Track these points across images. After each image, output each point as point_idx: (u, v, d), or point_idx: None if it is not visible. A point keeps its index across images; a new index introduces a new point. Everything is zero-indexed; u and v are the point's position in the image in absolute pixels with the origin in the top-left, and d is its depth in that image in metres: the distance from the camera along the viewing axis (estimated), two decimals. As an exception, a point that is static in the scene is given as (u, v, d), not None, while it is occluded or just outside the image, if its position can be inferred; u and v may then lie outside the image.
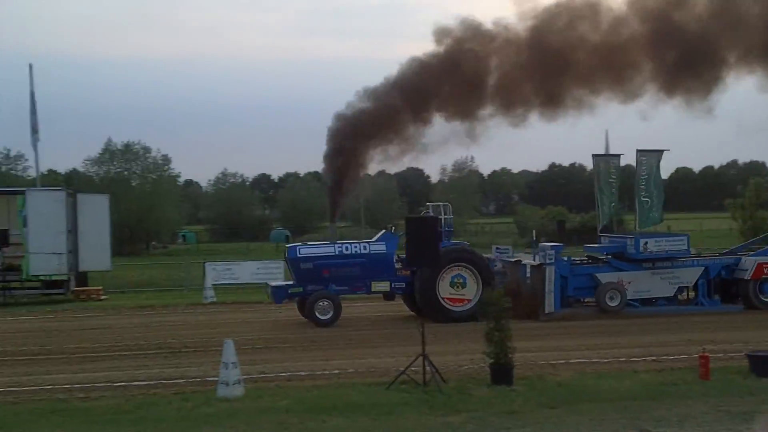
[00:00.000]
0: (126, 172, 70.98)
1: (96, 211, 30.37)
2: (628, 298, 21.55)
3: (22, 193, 29.57)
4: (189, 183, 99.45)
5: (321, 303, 20.79)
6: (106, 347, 18.11)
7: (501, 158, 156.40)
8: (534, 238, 23.15)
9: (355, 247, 21.85)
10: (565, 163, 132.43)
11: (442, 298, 21.07)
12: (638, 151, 23.07)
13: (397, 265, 21.72)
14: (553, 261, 21.17)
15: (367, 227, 63.34)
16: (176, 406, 11.64)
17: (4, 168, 69.22)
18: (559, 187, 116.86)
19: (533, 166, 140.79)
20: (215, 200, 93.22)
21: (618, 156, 24.18)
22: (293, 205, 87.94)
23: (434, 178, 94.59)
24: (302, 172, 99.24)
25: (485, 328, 12.63)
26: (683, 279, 22.37)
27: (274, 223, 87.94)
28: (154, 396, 12.48)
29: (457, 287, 21.22)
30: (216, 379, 12.36)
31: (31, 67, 35.95)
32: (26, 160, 68.36)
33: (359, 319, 21.97)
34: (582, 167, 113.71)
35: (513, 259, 22.66)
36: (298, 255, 21.55)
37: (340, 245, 21.85)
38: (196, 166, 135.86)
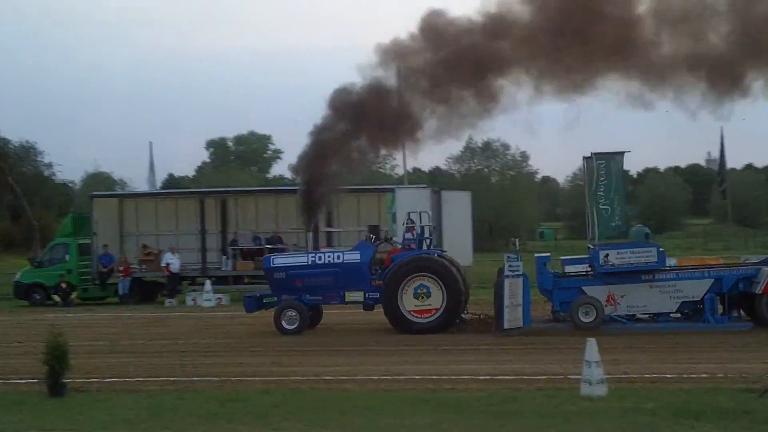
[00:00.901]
0: (486, 170, 72.80)
1: (459, 207, 31.34)
2: (622, 313, 19.68)
3: (392, 190, 31.18)
4: (546, 179, 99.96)
5: (288, 313, 20.72)
6: (468, 341, 18.68)
7: None
8: (516, 246, 20.67)
9: (329, 256, 21.50)
10: None
11: (408, 311, 20.26)
12: (593, 154, 20.61)
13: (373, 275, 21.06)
14: (517, 273, 19.35)
15: (734, 225, 60.11)
16: (539, 402, 11.72)
17: (374, 167, 73.56)
18: None
19: None
20: (573, 196, 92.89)
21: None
22: (653, 202, 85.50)
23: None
24: (662, 167, 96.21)
25: None
26: (688, 292, 19.56)
27: (634, 220, 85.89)
28: (517, 391, 12.64)
29: (422, 298, 20.30)
30: (579, 377, 12.31)
31: (399, 70, 37.70)
32: (394, 159, 72.12)
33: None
34: None
35: None
36: (272, 265, 21.66)
37: (313, 255, 21.73)
38: (554, 162, 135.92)
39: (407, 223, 21.89)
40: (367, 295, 21.01)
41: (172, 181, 77.43)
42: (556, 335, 19.04)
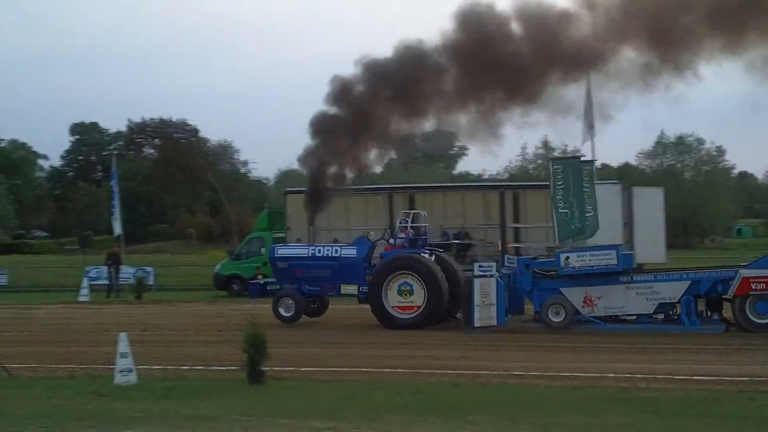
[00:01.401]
0: (678, 165, 70.48)
1: (651, 203, 30.42)
2: (600, 314, 20.02)
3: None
4: (743, 175, 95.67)
5: (285, 301, 22.05)
6: (664, 340, 18.16)
7: None
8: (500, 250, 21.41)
9: (327, 250, 22.78)
10: None
11: (392, 307, 21.16)
12: (551, 159, 20.21)
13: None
14: (490, 274, 20.05)
15: None
16: (740, 405, 11.24)
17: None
18: None
19: None
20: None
21: (592, 161, 22.99)
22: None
23: None
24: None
25: None
26: (665, 294, 19.67)
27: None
28: (716, 392, 12.20)
29: (405, 295, 21.13)
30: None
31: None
32: (583, 156, 71.15)
33: None
34: None
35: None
36: (276, 255, 23.13)
37: (313, 247, 23.05)
38: (752, 157, 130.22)
39: (401, 223, 23.00)
40: (360, 288, 22.06)
41: (360, 178, 78.84)
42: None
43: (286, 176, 79.18)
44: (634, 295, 19.93)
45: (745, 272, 19.09)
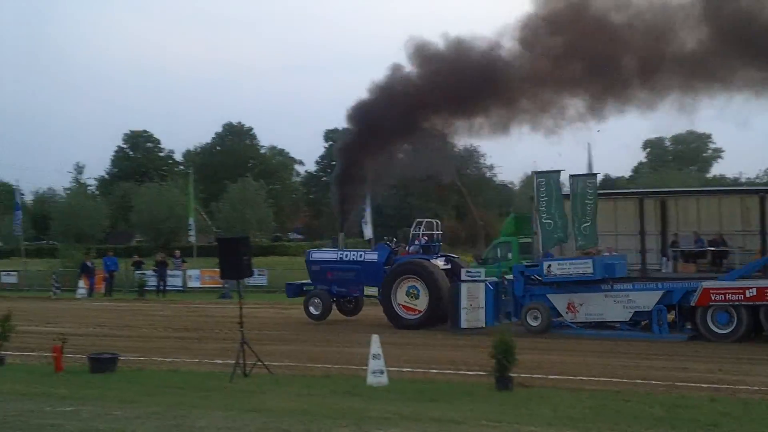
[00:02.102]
0: None
1: None
2: (578, 320, 21.18)
3: None
4: None
5: (313, 300, 24.33)
6: None
7: None
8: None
9: (353, 254, 24.74)
10: None
11: (398, 305, 23.06)
12: (535, 173, 22.53)
13: None
14: (478, 279, 21.75)
15: None
16: None
17: None
18: None
19: None
20: None
21: (595, 175, 24.43)
22: None
23: None
24: None
25: None
26: (640, 303, 20.76)
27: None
28: None
29: (411, 297, 22.93)
30: None
31: None
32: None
33: None
34: None
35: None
36: (310, 258, 25.45)
37: (342, 252, 24.81)
38: None
39: (415, 230, 24.40)
40: (380, 290, 23.67)
41: (608, 182, 77.24)
42: None
43: (531, 181, 78.82)
44: (612, 303, 21.07)
45: (706, 284, 20.05)
